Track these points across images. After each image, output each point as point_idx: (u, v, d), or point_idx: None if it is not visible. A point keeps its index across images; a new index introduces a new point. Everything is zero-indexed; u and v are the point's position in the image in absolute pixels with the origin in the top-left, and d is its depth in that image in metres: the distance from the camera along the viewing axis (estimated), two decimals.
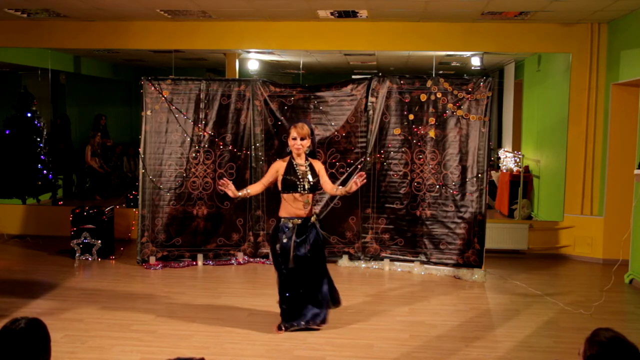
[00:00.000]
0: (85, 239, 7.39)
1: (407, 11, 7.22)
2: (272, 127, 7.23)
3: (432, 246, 6.99)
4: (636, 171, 6.12)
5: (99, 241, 7.40)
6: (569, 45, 7.78)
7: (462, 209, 6.85)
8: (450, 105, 6.89)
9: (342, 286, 5.79)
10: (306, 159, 4.97)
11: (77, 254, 7.40)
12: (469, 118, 6.83)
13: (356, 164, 7.13)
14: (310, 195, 4.93)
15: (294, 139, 4.89)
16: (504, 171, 9.98)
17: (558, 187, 8.18)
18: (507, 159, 10.09)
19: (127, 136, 11.77)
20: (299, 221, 4.88)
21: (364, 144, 7.13)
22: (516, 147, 10.24)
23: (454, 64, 10.07)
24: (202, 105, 7.18)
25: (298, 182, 4.85)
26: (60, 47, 8.75)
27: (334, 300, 5.16)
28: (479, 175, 6.80)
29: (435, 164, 6.96)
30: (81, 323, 5.10)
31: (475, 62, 8.85)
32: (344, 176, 7.09)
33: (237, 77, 8.64)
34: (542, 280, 6.78)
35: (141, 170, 7.13)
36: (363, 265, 7.21)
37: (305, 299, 4.96)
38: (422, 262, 7.03)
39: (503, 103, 11.00)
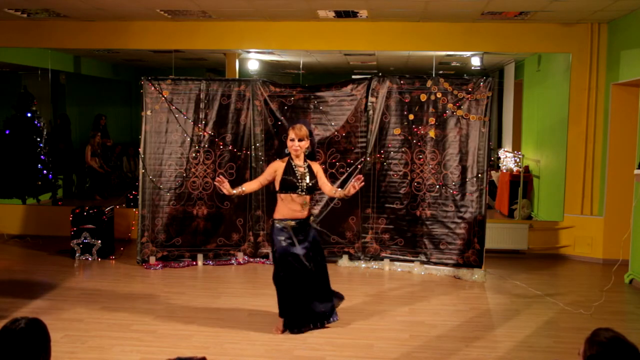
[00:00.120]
0: (85, 239, 7.39)
1: (407, 11, 7.22)
2: (272, 127, 7.23)
3: (432, 246, 6.99)
4: (636, 171, 6.12)
5: (99, 241, 7.40)
6: (569, 45, 7.78)
7: (462, 209, 6.85)
8: (450, 105, 6.89)
9: (342, 286, 5.80)
10: (305, 161, 4.97)
11: (77, 254, 7.40)
12: (469, 118, 6.83)
13: (356, 164, 7.13)
14: (308, 197, 4.93)
15: (292, 140, 4.89)
16: (504, 171, 9.98)
17: (558, 187, 8.18)
18: (507, 159, 10.09)
19: (127, 136, 11.77)
20: (293, 223, 4.87)
21: (364, 144, 7.13)
22: (516, 147, 10.24)
23: (454, 64, 10.07)
24: (202, 105, 7.18)
25: (297, 183, 4.85)
26: (60, 47, 8.75)
27: (337, 295, 5.18)
28: (479, 175, 6.80)
29: (435, 164, 6.96)
30: (81, 323, 5.10)
31: (475, 62, 8.85)
32: (344, 176, 7.09)
33: (237, 77, 8.64)
34: (542, 280, 6.78)
35: (141, 170, 7.14)
36: (363, 265, 7.21)
37: (311, 297, 4.94)
38: (422, 262, 7.03)
39: (503, 103, 11.00)
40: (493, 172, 10.06)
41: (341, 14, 7.43)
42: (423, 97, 6.97)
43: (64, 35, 8.30)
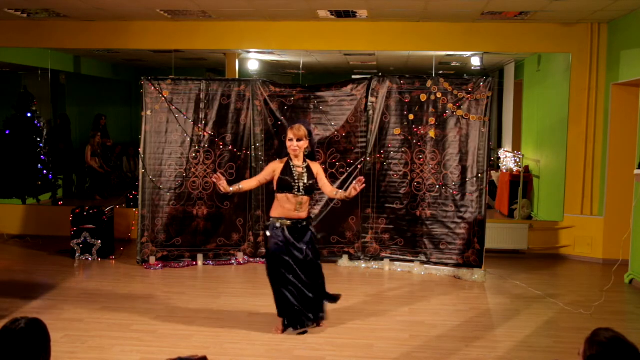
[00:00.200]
0: (85, 239, 7.39)
1: (407, 11, 7.22)
2: (272, 127, 7.23)
3: (432, 246, 6.99)
4: (636, 171, 6.12)
5: (99, 241, 7.40)
6: (569, 45, 7.78)
7: (462, 209, 6.85)
8: (450, 105, 6.89)
9: (342, 286, 5.81)
10: (304, 161, 4.97)
11: (77, 254, 7.40)
12: (469, 118, 6.83)
13: (356, 164, 7.13)
14: (305, 198, 4.90)
15: (291, 140, 4.88)
16: (504, 171, 9.98)
17: (558, 187, 8.18)
18: (507, 159, 10.09)
19: (127, 136, 11.77)
20: (288, 222, 4.87)
21: (364, 144, 7.13)
22: (516, 147, 10.24)
23: (454, 64, 10.07)
24: (202, 105, 7.18)
25: (293, 183, 4.84)
26: (60, 47, 8.75)
27: (331, 297, 5.15)
28: (479, 175, 6.80)
29: (435, 164, 6.96)
30: (81, 323, 5.10)
31: (475, 62, 8.85)
32: (344, 176, 7.09)
33: (237, 77, 8.64)
34: (542, 280, 6.78)
35: (141, 170, 7.14)
36: (363, 265, 7.21)
37: (304, 294, 4.93)
38: (422, 262, 7.03)
39: (503, 103, 11.00)
40: (493, 172, 10.06)
41: (341, 14, 7.43)
42: (423, 97, 6.97)
43: (64, 35, 8.30)
